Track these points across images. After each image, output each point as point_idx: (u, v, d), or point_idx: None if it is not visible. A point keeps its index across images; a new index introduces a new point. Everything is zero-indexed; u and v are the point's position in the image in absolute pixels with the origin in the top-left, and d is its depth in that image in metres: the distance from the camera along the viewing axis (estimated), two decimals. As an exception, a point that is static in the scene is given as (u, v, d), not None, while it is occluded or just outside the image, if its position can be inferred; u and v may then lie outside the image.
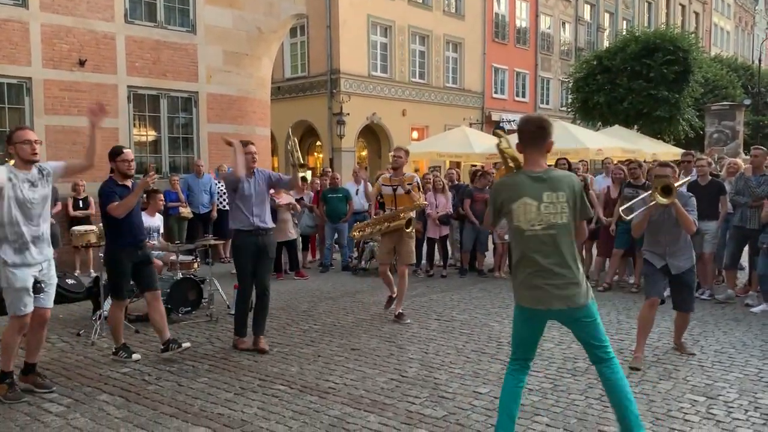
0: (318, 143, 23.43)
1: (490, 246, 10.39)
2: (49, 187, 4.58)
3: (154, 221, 7.55)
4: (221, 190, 11.48)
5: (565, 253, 3.32)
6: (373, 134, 24.43)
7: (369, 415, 4.15)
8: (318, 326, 6.59)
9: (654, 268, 5.29)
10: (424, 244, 10.13)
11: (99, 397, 4.53)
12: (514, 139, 3.51)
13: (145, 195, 9.69)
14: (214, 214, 11.36)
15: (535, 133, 3.41)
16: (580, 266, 3.40)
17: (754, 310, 7.14)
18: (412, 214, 6.89)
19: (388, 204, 7.02)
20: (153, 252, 7.45)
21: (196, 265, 7.55)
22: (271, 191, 10.25)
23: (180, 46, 12.04)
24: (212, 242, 7.59)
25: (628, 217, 5.27)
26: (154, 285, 5.57)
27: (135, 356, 5.42)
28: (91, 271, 9.57)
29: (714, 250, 7.94)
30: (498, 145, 3.55)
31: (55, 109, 10.48)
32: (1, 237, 4.36)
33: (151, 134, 12.01)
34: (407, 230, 6.80)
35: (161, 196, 7.79)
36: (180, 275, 6.97)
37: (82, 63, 10.73)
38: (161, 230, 7.68)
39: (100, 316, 6.30)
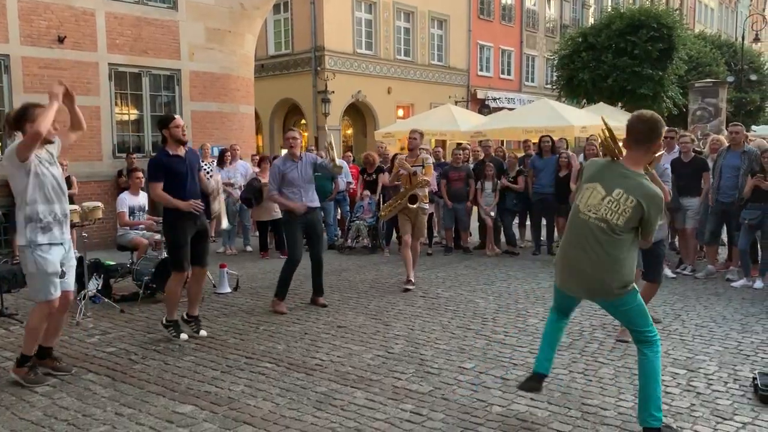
0: (303, 121, 23.28)
1: (475, 223, 10.44)
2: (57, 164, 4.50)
3: (138, 200, 7.51)
4: (205, 169, 11.38)
5: (605, 249, 3.32)
6: (358, 112, 24.31)
7: (355, 390, 4.18)
8: (304, 304, 6.60)
9: None
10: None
11: (85, 376, 4.52)
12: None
13: (126, 174, 9.64)
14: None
15: (644, 133, 3.36)
16: (621, 267, 3.35)
17: (734, 284, 7.26)
18: (419, 191, 7.30)
19: (404, 183, 7.47)
20: (138, 231, 7.44)
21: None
22: (256, 170, 10.27)
23: (161, 23, 11.85)
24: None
25: None
26: (204, 262, 5.57)
27: (183, 336, 5.36)
28: (75, 251, 9.47)
29: (696, 225, 8.03)
30: (601, 138, 3.69)
31: (34, 87, 10.29)
32: (29, 218, 4.24)
33: (133, 113, 11.85)
34: (412, 206, 7.28)
35: (140, 174, 7.73)
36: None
37: (61, 40, 10.52)
38: (146, 209, 7.65)
39: (84, 296, 6.26)
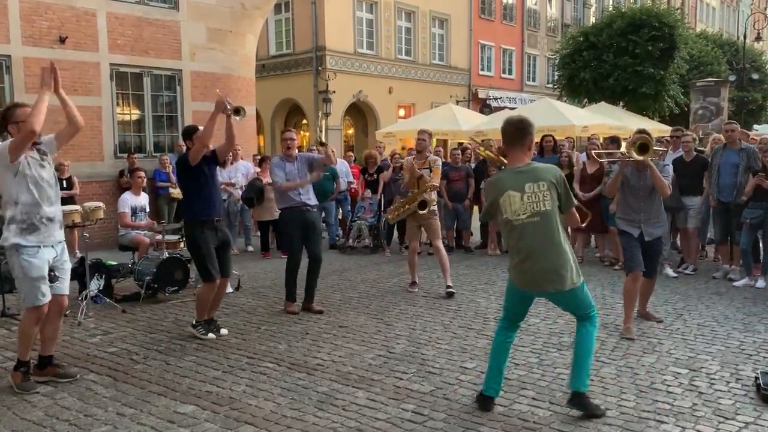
0: (304, 121, 23.28)
1: (477, 223, 10.43)
2: (52, 164, 4.36)
3: (139, 200, 7.52)
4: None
5: (550, 238, 3.57)
6: (359, 112, 24.31)
7: (357, 390, 4.18)
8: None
9: (631, 240, 5.33)
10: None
11: (87, 376, 4.52)
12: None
13: (127, 174, 9.67)
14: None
15: (514, 134, 3.72)
16: (568, 249, 3.62)
17: (736, 284, 7.24)
18: (426, 196, 7.06)
19: (411, 186, 7.23)
20: (139, 231, 7.44)
21: (182, 245, 7.51)
22: (258, 170, 10.26)
23: (163, 23, 11.85)
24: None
25: (603, 160, 6.06)
26: (227, 272, 5.73)
27: (210, 336, 5.40)
28: (77, 251, 9.49)
29: (698, 225, 8.01)
30: (479, 152, 3.97)
31: (35, 87, 10.15)
32: (15, 218, 4.10)
33: (134, 113, 11.85)
34: (421, 212, 7.04)
35: (142, 174, 7.74)
36: (166, 254, 6.94)
37: (62, 40, 10.53)
38: (147, 209, 7.65)
39: (86, 296, 6.27)
